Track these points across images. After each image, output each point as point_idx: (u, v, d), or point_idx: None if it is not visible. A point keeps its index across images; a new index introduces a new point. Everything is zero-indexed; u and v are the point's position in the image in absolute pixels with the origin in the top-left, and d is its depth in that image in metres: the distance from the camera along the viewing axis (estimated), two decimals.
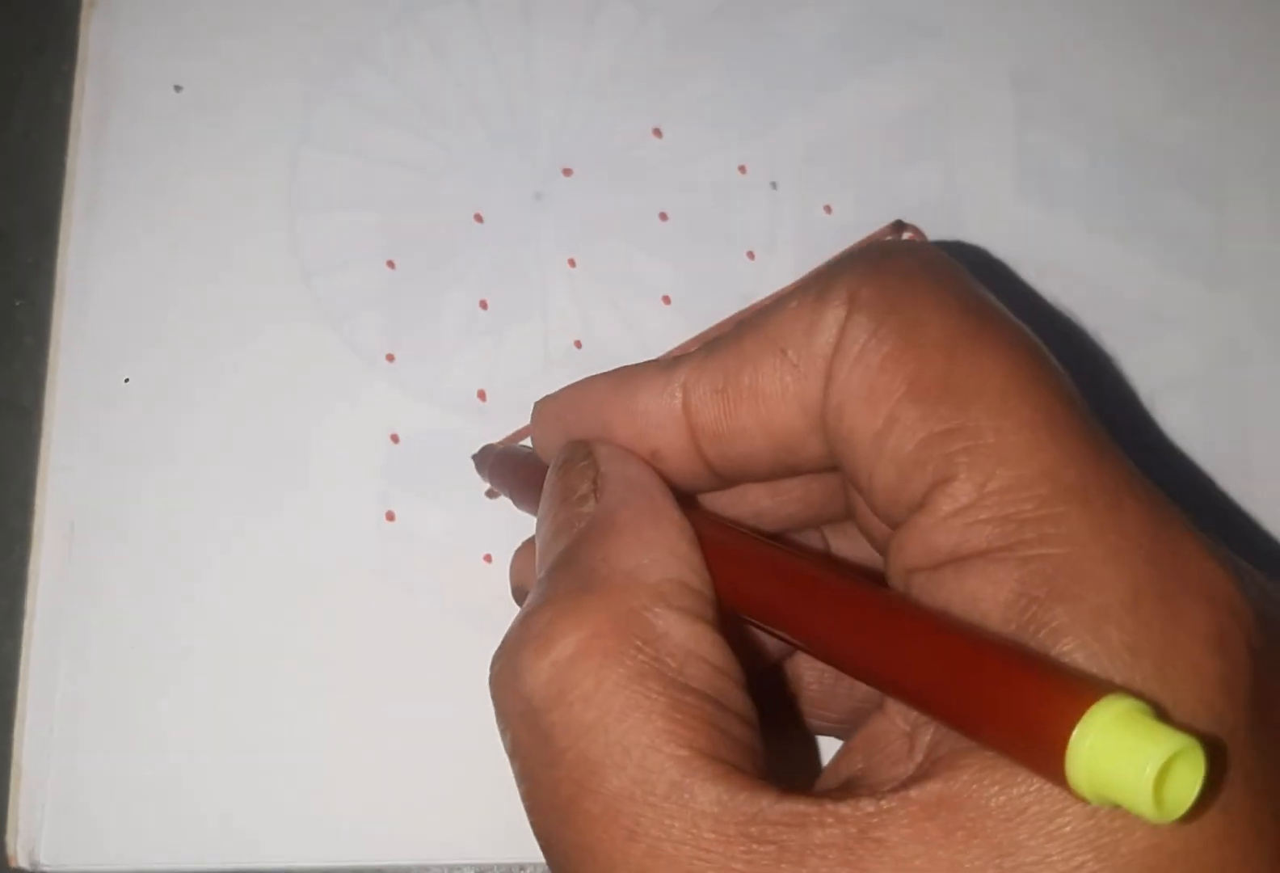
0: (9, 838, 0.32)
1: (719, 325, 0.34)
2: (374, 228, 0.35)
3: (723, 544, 0.22)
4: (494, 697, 0.21)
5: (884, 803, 0.18)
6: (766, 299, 0.35)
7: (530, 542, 0.30)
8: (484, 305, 0.35)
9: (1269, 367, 0.35)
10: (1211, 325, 0.36)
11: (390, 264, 0.35)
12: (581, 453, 0.24)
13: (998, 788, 0.17)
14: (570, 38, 0.37)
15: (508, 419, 0.34)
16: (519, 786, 0.21)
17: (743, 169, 0.36)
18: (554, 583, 0.21)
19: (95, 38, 0.36)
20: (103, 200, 0.35)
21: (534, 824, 0.20)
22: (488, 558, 0.33)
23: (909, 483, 0.20)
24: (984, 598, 0.18)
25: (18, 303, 0.37)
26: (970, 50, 0.37)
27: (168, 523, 0.33)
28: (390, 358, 0.34)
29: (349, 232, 0.35)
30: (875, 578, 0.22)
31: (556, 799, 0.19)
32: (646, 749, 0.19)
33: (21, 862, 0.31)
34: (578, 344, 0.35)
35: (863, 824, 0.18)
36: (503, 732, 0.21)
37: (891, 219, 0.35)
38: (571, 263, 0.35)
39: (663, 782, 0.18)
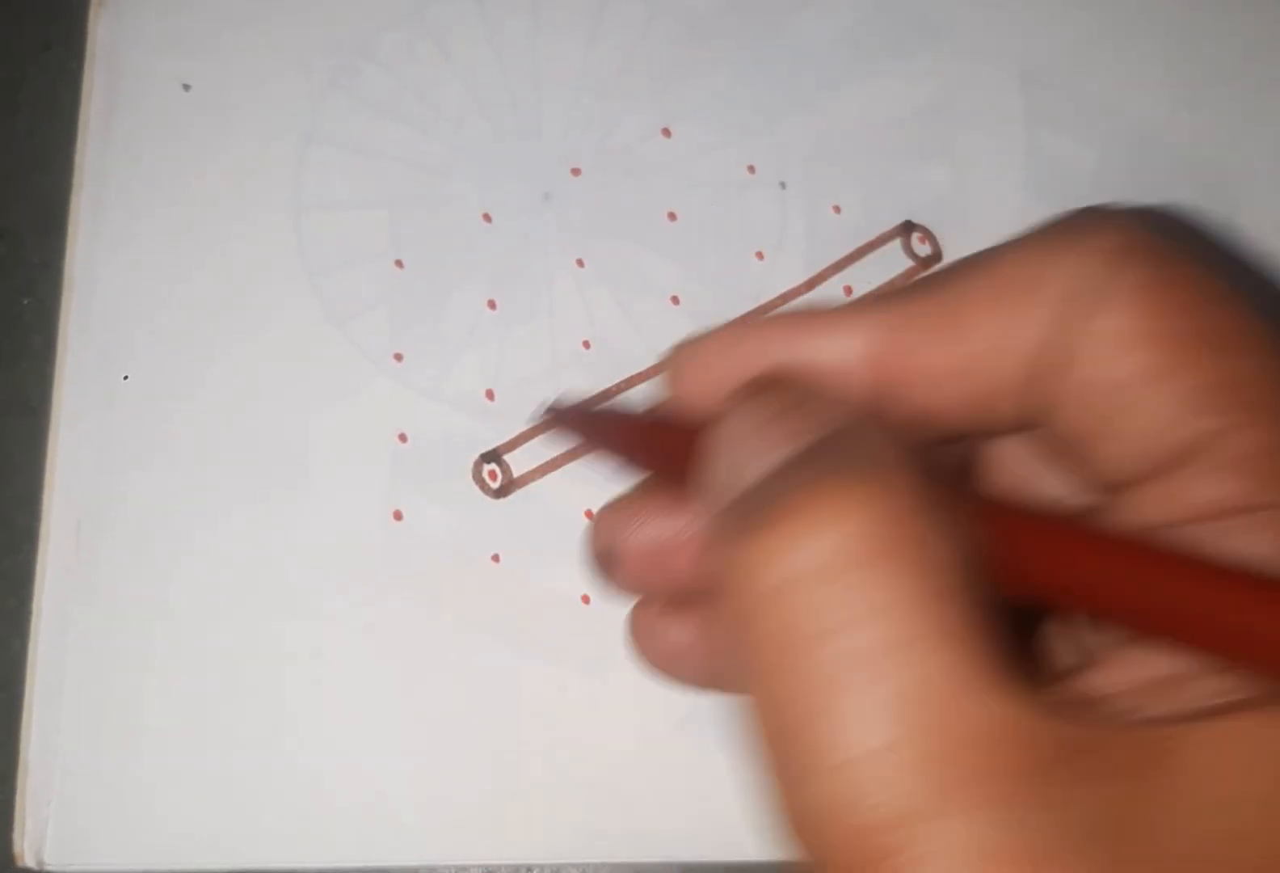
0: (15, 837, 0.32)
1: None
2: (382, 227, 0.35)
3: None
4: (737, 569, 0.19)
5: (1179, 729, 0.17)
6: (774, 299, 0.35)
7: (614, 503, 0.28)
8: (492, 305, 0.35)
9: None
10: None
11: (399, 263, 0.35)
12: (786, 378, 0.23)
13: None
14: (578, 36, 0.37)
15: (515, 419, 0.34)
16: (755, 670, 0.19)
17: (751, 169, 0.36)
18: (799, 477, 0.19)
19: (103, 36, 0.36)
20: (110, 199, 0.35)
21: (765, 720, 0.18)
22: (495, 558, 0.33)
23: (1172, 432, 0.19)
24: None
25: (25, 302, 0.37)
26: (979, 49, 0.37)
27: (174, 522, 0.33)
28: (398, 357, 0.34)
29: (356, 230, 0.35)
30: None
31: (810, 690, 0.17)
32: (932, 648, 0.17)
33: (28, 861, 0.31)
34: (586, 344, 0.35)
35: (1156, 748, 0.17)
36: (737, 613, 0.19)
37: (900, 219, 0.36)
38: (580, 263, 0.35)
39: (947, 683, 0.17)
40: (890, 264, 0.35)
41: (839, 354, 0.22)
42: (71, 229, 0.35)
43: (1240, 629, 0.17)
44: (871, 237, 0.35)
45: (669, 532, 0.26)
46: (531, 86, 0.36)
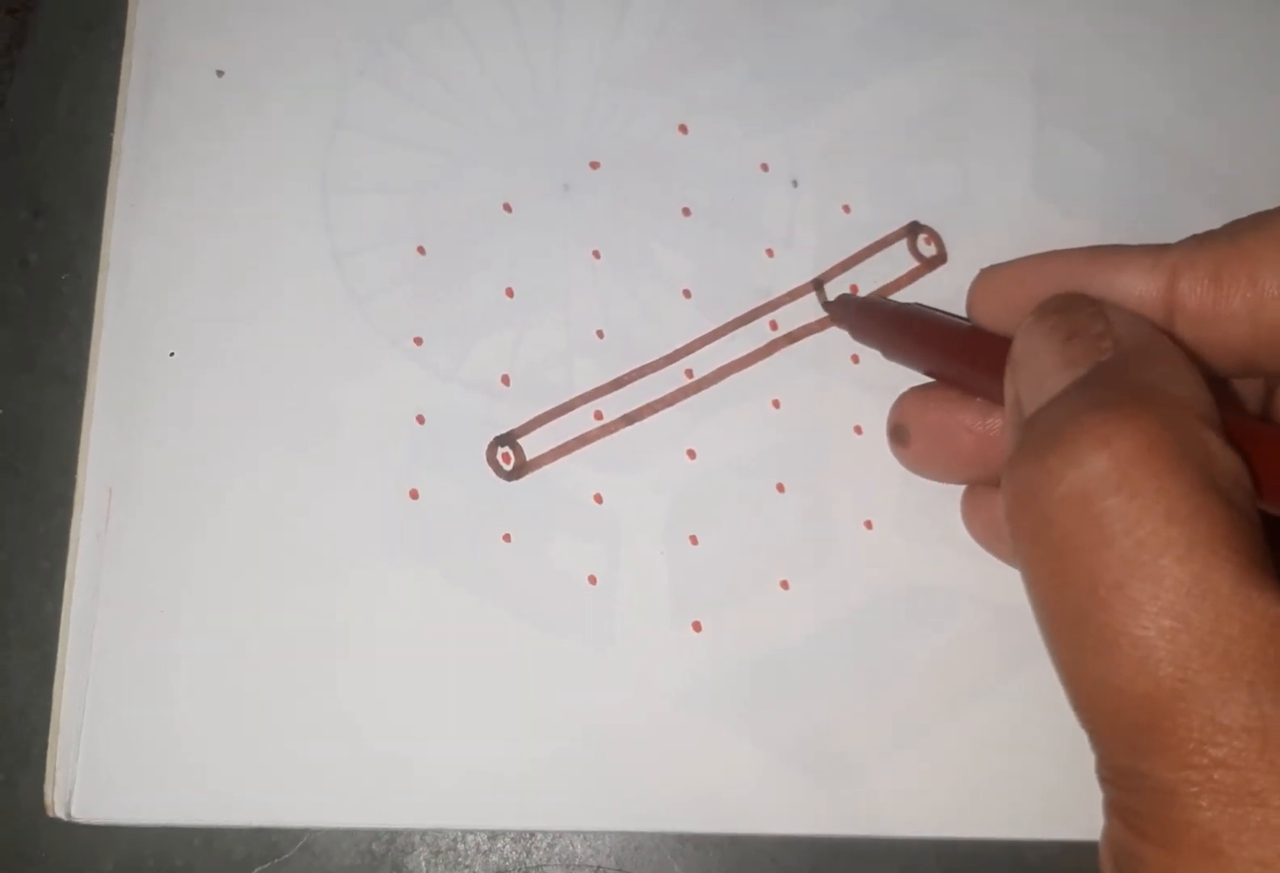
0: (46, 788, 0.33)
1: (737, 320, 0.36)
2: (405, 213, 0.36)
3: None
4: (1030, 479, 0.21)
5: None
6: (782, 295, 0.36)
7: (919, 387, 0.31)
8: (510, 293, 0.36)
9: None
10: None
11: (420, 249, 0.36)
12: (1085, 301, 0.25)
13: None
14: (600, 30, 0.37)
15: (530, 403, 0.35)
16: (1044, 566, 0.21)
17: (765, 167, 0.37)
18: (1097, 391, 0.22)
19: (143, 20, 0.37)
20: (147, 178, 0.36)
21: (1056, 604, 0.21)
22: (506, 537, 0.34)
23: None
24: None
25: (64, 276, 0.38)
26: (991, 51, 0.37)
27: (200, 493, 0.34)
28: (418, 341, 0.35)
29: (381, 215, 0.36)
30: None
31: (1099, 580, 0.20)
32: (1210, 551, 0.19)
33: (58, 812, 0.33)
34: (599, 334, 0.36)
35: None
36: (1033, 515, 0.21)
37: (909, 218, 0.36)
38: (596, 254, 0.36)
39: (1224, 581, 0.19)
40: (896, 264, 0.36)
41: (1137, 288, 0.25)
42: (109, 207, 0.36)
43: None
44: (879, 236, 0.36)
45: (956, 418, 0.30)
46: (554, 79, 0.37)
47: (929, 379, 0.32)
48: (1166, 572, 0.19)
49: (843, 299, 0.35)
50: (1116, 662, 0.20)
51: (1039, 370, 0.24)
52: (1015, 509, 0.22)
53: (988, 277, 0.28)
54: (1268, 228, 0.24)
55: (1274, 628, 0.19)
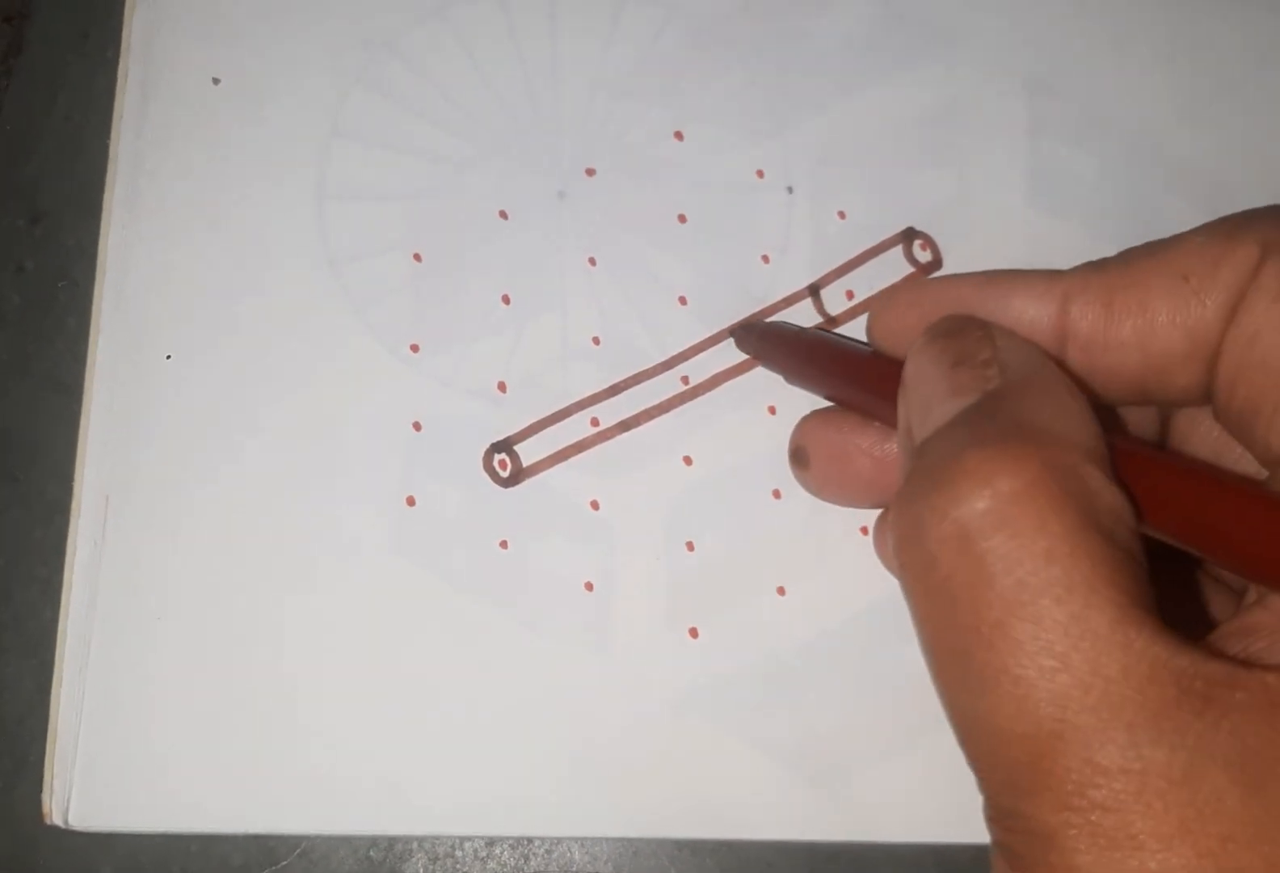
0: (44, 796, 0.33)
1: (731, 327, 0.36)
2: (401, 220, 0.36)
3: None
4: (916, 519, 0.21)
5: None
6: (778, 302, 0.36)
7: (819, 411, 0.31)
8: (506, 300, 0.36)
9: None
10: None
11: (417, 257, 0.36)
12: (975, 325, 0.25)
13: None
14: (595, 38, 0.37)
15: (527, 410, 0.35)
16: (929, 605, 0.21)
17: (760, 173, 0.37)
18: (980, 428, 0.22)
19: (139, 27, 0.37)
20: (143, 185, 0.36)
21: (940, 643, 0.21)
22: (503, 544, 0.34)
23: None
24: None
25: (61, 284, 0.38)
26: (986, 58, 0.38)
27: (196, 500, 0.34)
28: (414, 348, 0.35)
29: (377, 223, 0.36)
30: None
31: (981, 619, 0.20)
32: (1089, 591, 0.19)
33: (55, 819, 0.33)
34: (595, 340, 0.36)
35: None
36: (918, 555, 0.21)
37: (904, 225, 0.36)
38: (592, 261, 0.36)
39: (1102, 621, 0.19)
40: (892, 270, 0.36)
41: (1029, 313, 0.25)
42: (106, 213, 0.36)
43: None
44: (874, 242, 0.36)
45: (853, 442, 0.30)
46: (549, 86, 0.37)
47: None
48: (1046, 612, 0.19)
49: (746, 325, 0.35)
50: (997, 702, 0.20)
51: (927, 396, 0.24)
52: (901, 547, 0.22)
53: (885, 301, 0.28)
54: (1161, 255, 0.24)
55: (1152, 668, 0.19)
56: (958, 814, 0.33)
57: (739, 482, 0.35)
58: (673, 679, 0.34)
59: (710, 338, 0.35)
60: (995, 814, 0.20)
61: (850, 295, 0.36)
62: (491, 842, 0.35)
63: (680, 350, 0.35)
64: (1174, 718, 0.18)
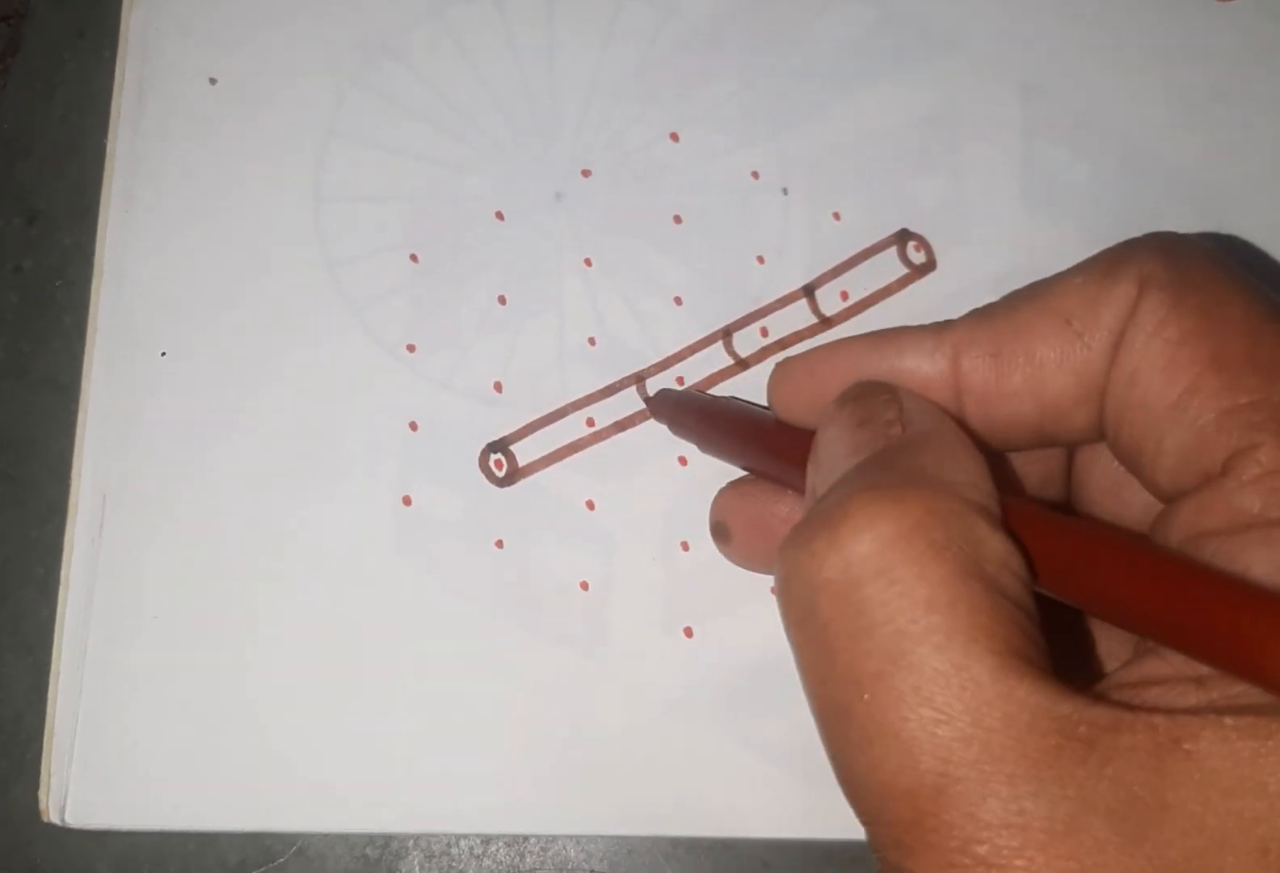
0: (41, 794, 0.33)
1: (726, 327, 0.36)
2: (398, 221, 0.36)
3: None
4: (795, 565, 0.21)
5: (1198, 720, 0.18)
6: (772, 302, 0.36)
7: (736, 483, 0.31)
8: (502, 301, 0.36)
9: None
10: None
11: (413, 257, 0.36)
12: (882, 388, 0.25)
13: None
14: (592, 40, 0.38)
15: (523, 410, 0.35)
16: (810, 654, 0.21)
17: (755, 175, 0.37)
18: (869, 475, 0.22)
19: (136, 27, 0.37)
20: (140, 185, 0.36)
21: (822, 695, 0.20)
22: (499, 543, 0.34)
23: (1208, 449, 0.21)
24: None
25: (58, 283, 0.38)
26: (981, 62, 0.38)
27: (194, 499, 0.35)
28: (411, 348, 0.36)
29: (374, 224, 0.36)
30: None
31: (861, 671, 0.19)
32: (969, 640, 0.19)
33: (52, 817, 0.33)
34: (591, 341, 0.36)
35: (1175, 735, 0.18)
36: (797, 602, 0.21)
37: (898, 226, 0.36)
38: (588, 262, 0.36)
39: (982, 670, 0.19)
40: (886, 271, 0.36)
41: (922, 370, 0.25)
42: (103, 213, 0.36)
43: (1226, 641, 0.18)
44: (869, 244, 0.36)
45: (771, 512, 0.30)
46: (546, 88, 0.37)
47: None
48: (926, 661, 0.19)
49: (661, 394, 0.35)
50: (880, 756, 0.19)
51: (833, 459, 0.24)
52: (781, 595, 0.21)
53: (781, 371, 0.28)
54: (1043, 299, 0.23)
55: (1034, 717, 0.18)
56: None
57: None
58: (668, 678, 0.34)
59: (705, 338, 0.36)
60: (883, 870, 0.20)
61: (845, 296, 0.36)
62: (487, 840, 0.35)
63: (676, 351, 0.36)
64: (1056, 768, 0.18)
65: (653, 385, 0.35)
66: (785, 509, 0.30)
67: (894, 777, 0.19)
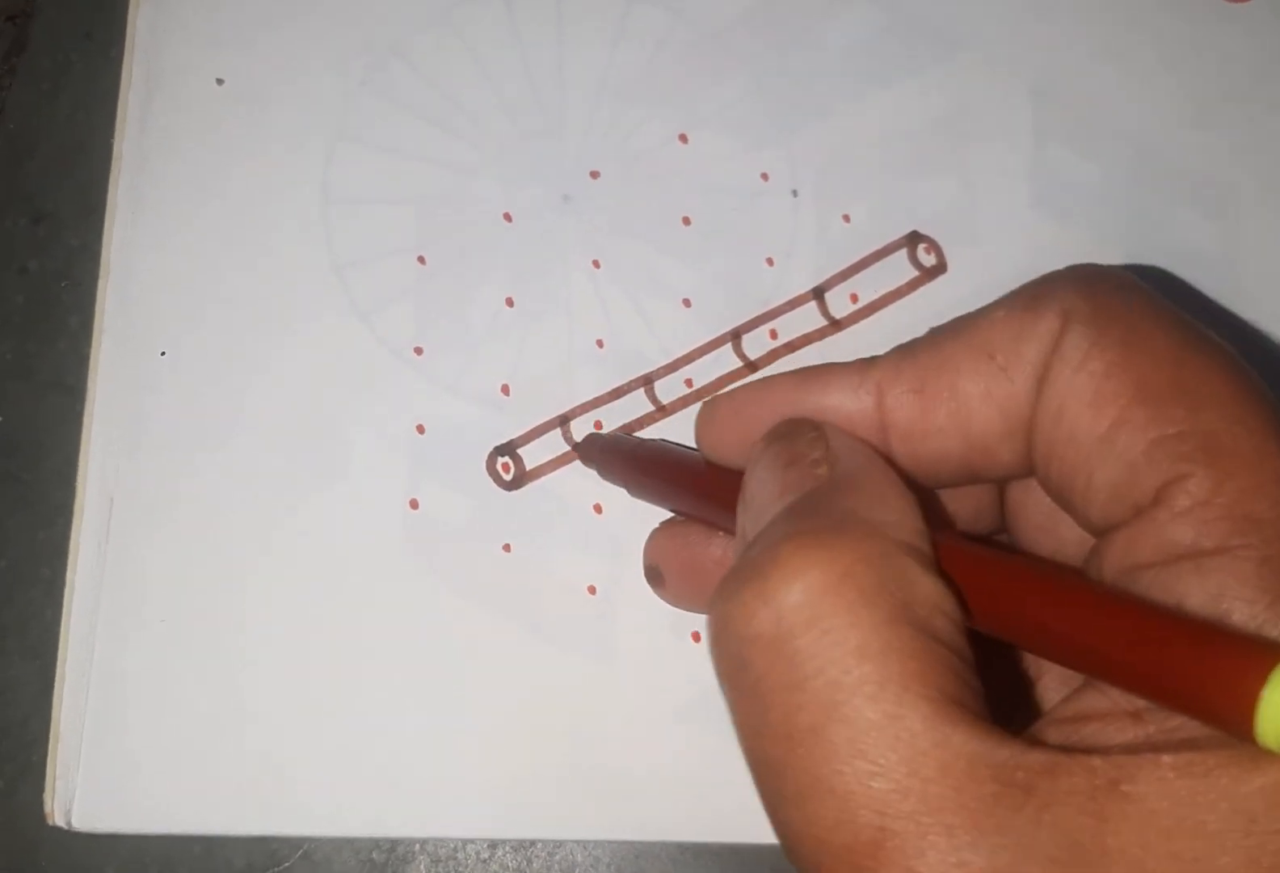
0: (46, 797, 0.33)
1: (735, 329, 0.36)
2: (406, 223, 0.36)
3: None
4: (725, 617, 0.21)
5: (1135, 760, 0.18)
6: (782, 304, 0.36)
7: (668, 524, 0.31)
8: (510, 303, 0.36)
9: (1273, 387, 0.36)
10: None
11: (421, 260, 0.36)
12: (808, 426, 0.24)
13: (1254, 766, 0.17)
14: (601, 42, 0.37)
15: (530, 413, 0.35)
16: (743, 708, 0.20)
17: (765, 177, 0.37)
18: (797, 521, 0.21)
19: (143, 27, 0.37)
20: (146, 186, 0.36)
21: (756, 750, 0.20)
22: (507, 547, 0.34)
23: (1138, 481, 0.21)
24: (1227, 594, 0.19)
25: (64, 284, 0.38)
26: (991, 64, 0.37)
27: (200, 502, 0.35)
28: (418, 351, 0.35)
29: (382, 226, 0.36)
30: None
31: (794, 725, 0.19)
32: (901, 688, 0.19)
33: (58, 820, 0.33)
34: (599, 343, 0.36)
35: (1113, 777, 0.18)
36: (728, 655, 0.21)
37: (908, 229, 0.36)
38: (596, 264, 0.36)
39: (917, 719, 0.18)
40: (896, 273, 0.36)
41: (847, 407, 0.24)
42: (109, 214, 0.36)
43: (1162, 673, 0.18)
44: (879, 246, 0.36)
45: (703, 554, 0.29)
46: (555, 90, 0.37)
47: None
48: (858, 712, 0.19)
49: (589, 438, 0.35)
50: (816, 811, 0.19)
51: (761, 500, 0.23)
52: (714, 649, 0.21)
53: (707, 411, 0.27)
54: (967, 334, 0.23)
55: (970, 765, 0.18)
56: None
57: None
58: (676, 682, 0.34)
59: (714, 341, 0.35)
60: None
61: (855, 299, 0.36)
62: (494, 845, 0.35)
63: (684, 353, 0.35)
64: (994, 816, 0.18)
65: (661, 388, 0.35)
66: (718, 551, 0.29)
67: (830, 832, 0.19)
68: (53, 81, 0.39)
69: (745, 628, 0.20)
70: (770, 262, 0.36)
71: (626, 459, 0.32)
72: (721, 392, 0.28)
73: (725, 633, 0.20)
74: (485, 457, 0.35)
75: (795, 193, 0.37)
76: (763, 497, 0.23)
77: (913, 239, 0.36)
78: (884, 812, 0.18)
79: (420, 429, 0.35)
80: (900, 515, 0.21)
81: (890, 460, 0.24)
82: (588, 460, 0.34)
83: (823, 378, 0.25)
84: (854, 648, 0.19)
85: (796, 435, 0.24)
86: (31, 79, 0.40)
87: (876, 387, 0.24)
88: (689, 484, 0.29)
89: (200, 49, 0.37)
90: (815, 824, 0.19)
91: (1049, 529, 0.25)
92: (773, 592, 0.20)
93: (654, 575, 0.31)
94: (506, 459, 0.35)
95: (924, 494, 0.23)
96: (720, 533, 0.29)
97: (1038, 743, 0.19)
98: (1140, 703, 0.20)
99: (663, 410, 0.35)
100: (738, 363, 0.35)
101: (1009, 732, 0.19)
